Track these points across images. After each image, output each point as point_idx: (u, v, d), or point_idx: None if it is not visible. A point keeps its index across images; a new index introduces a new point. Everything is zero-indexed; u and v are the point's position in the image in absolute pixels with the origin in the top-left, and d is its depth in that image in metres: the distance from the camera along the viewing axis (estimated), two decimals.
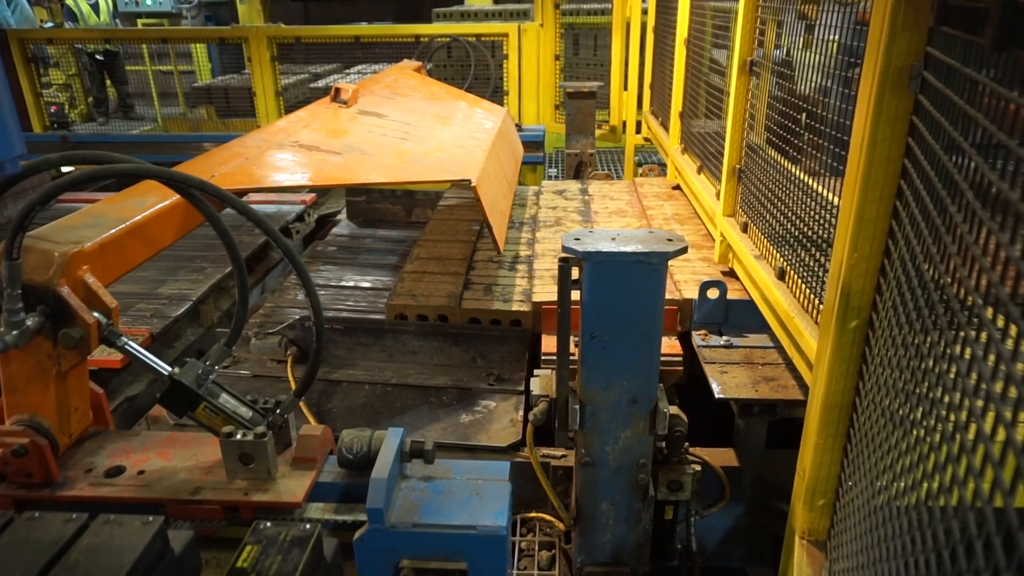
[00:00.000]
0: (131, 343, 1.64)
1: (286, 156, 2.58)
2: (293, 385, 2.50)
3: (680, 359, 2.49)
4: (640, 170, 4.85)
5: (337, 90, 3.45)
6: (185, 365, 1.65)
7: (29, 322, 1.52)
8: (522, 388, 2.58)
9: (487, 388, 2.59)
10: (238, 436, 1.57)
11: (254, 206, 2.28)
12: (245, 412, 1.66)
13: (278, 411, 1.68)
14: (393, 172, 2.63)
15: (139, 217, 1.87)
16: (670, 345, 2.51)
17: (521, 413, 2.44)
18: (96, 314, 1.59)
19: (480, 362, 2.69)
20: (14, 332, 1.50)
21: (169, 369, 1.64)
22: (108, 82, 8.53)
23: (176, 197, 1.90)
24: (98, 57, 8.24)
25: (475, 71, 6.12)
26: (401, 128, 3.24)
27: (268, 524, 1.38)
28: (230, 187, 2.24)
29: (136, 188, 2.07)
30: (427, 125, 3.43)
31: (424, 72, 5.09)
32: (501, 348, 2.66)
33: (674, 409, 1.97)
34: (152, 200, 1.95)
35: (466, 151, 3.11)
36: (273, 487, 1.58)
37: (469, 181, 2.59)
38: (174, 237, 2.02)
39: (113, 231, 1.76)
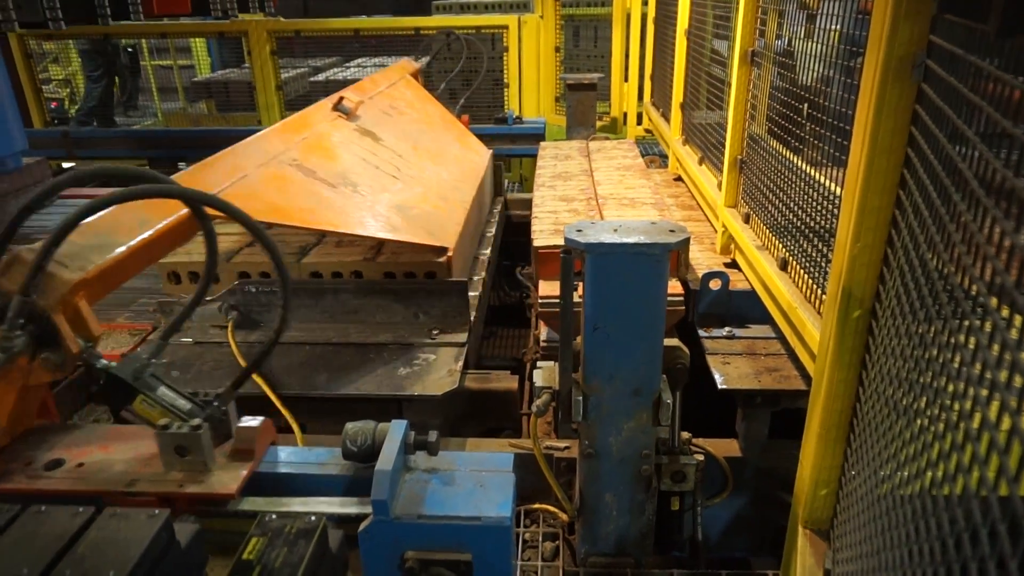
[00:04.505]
0: (104, 362, 1.65)
1: (286, 180, 2.56)
2: (235, 350, 2.49)
3: (681, 299, 2.49)
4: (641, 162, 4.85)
5: (341, 99, 3.42)
6: (123, 359, 1.65)
7: (16, 344, 1.51)
8: (463, 340, 2.58)
9: (428, 342, 2.59)
10: (173, 428, 1.58)
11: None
12: (183, 404, 1.66)
13: (215, 403, 1.68)
14: (377, 227, 2.65)
15: (145, 235, 1.84)
16: (670, 285, 2.49)
17: (460, 364, 2.44)
18: (79, 339, 1.59)
19: (423, 318, 2.68)
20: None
21: (105, 363, 1.64)
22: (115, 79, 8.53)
23: (183, 212, 1.89)
24: (129, 50, 8.24)
25: (470, 65, 6.06)
26: (394, 159, 3.26)
27: (273, 516, 1.39)
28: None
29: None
30: (417, 162, 3.44)
31: (420, 75, 5.06)
32: (442, 302, 2.66)
33: (675, 341, 1.96)
34: (157, 217, 1.92)
35: (449, 206, 3.14)
36: (209, 479, 1.57)
37: (446, 249, 2.71)
38: (171, 250, 2.03)
39: (118, 252, 1.75)
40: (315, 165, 2.75)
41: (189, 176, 2.30)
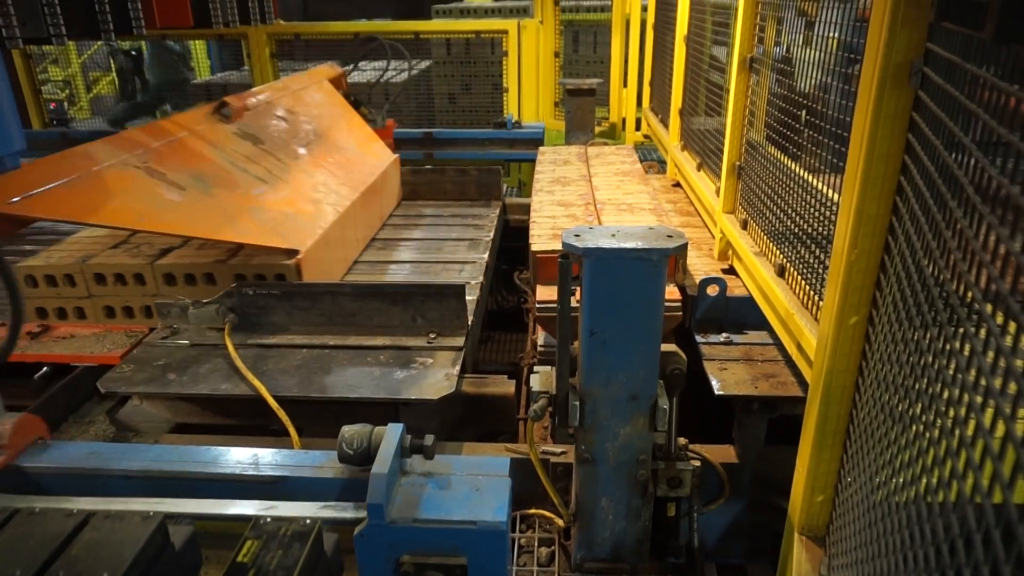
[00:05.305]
0: None
1: (125, 181, 2.53)
2: (232, 352, 2.49)
3: (679, 304, 2.51)
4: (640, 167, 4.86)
5: (223, 103, 3.36)
6: None
7: None
8: (461, 345, 2.59)
9: (426, 346, 2.60)
10: None
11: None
12: None
13: None
14: (216, 229, 2.63)
15: None
16: (668, 291, 2.50)
17: (457, 368, 2.45)
18: None
19: (420, 321, 2.69)
20: None
21: None
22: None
23: None
24: (132, 53, 8.26)
25: (398, 71, 6.02)
26: (270, 163, 3.26)
27: (268, 519, 1.39)
28: (53, 212, 2.24)
29: None
30: (298, 166, 3.44)
31: (346, 79, 5.07)
32: (440, 306, 2.66)
33: (672, 346, 1.97)
34: None
35: (317, 210, 3.15)
36: None
37: (297, 252, 2.74)
38: None
39: None
40: (168, 168, 2.76)
41: (26, 170, 2.26)
